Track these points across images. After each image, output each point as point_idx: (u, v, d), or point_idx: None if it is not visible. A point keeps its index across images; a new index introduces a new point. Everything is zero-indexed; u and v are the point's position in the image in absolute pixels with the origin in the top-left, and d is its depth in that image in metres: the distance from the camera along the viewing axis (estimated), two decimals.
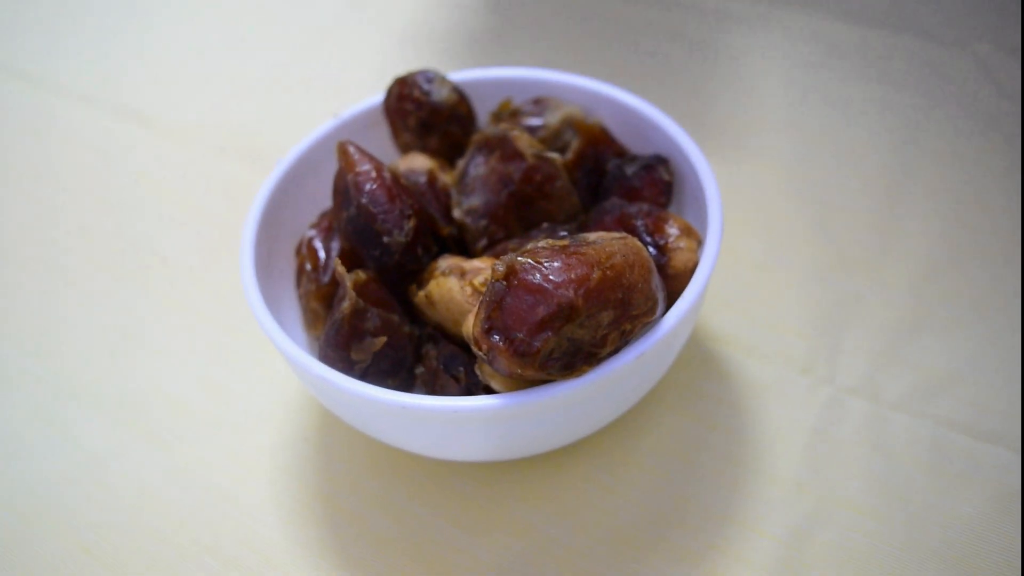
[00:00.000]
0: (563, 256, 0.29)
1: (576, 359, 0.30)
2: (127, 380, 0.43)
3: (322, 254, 0.38)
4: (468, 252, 0.38)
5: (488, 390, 0.33)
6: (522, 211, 0.37)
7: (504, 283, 0.29)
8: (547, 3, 0.63)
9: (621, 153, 0.40)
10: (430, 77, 0.40)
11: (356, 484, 0.38)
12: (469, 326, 0.31)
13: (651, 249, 0.34)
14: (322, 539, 0.37)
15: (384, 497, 0.38)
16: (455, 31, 0.61)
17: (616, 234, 0.32)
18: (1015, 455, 0.36)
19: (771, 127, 0.52)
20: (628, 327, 0.31)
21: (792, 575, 0.34)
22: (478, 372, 0.32)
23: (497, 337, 0.29)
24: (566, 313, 0.29)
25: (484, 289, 0.32)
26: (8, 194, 0.54)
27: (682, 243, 0.34)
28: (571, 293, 0.29)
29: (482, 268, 0.33)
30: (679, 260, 0.34)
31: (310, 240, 0.38)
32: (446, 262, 0.34)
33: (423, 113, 0.40)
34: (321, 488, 0.38)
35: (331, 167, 0.42)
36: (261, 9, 0.67)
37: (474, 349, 0.30)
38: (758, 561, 0.34)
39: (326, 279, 0.37)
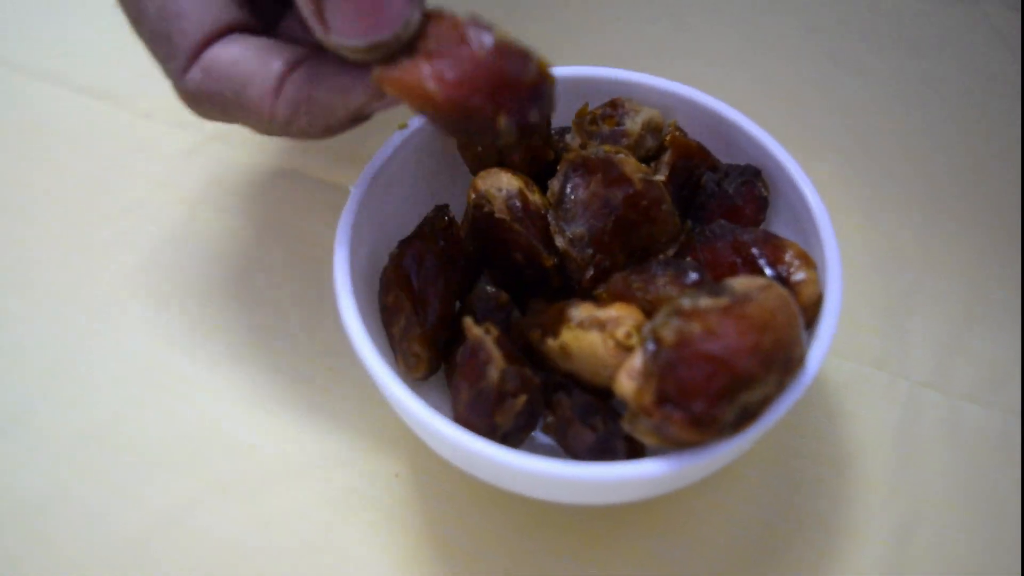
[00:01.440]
0: (733, 320, 0.29)
1: (743, 419, 0.30)
2: (188, 427, 0.40)
3: (424, 293, 0.35)
4: (571, 282, 0.36)
5: (629, 439, 0.33)
6: (626, 236, 0.36)
7: (676, 352, 0.28)
8: None
9: (713, 165, 0.38)
10: None
11: (464, 522, 0.37)
12: (622, 386, 0.30)
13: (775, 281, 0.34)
14: None
15: (497, 534, 0.37)
16: None
17: (762, 281, 0.31)
18: None
19: (803, 110, 0.52)
20: (786, 380, 0.30)
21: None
22: (627, 427, 0.31)
23: (670, 407, 0.29)
24: (745, 383, 0.28)
25: (626, 342, 0.32)
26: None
27: (803, 274, 0.34)
28: (750, 362, 0.28)
29: (620, 318, 0.32)
30: (805, 294, 0.34)
31: (404, 274, 0.36)
32: (578, 311, 0.33)
33: None
34: (427, 528, 0.37)
35: (403, 183, 0.39)
36: None
37: (640, 413, 0.29)
38: (867, 567, 0.36)
39: (431, 322, 0.35)
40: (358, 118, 0.32)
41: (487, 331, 0.32)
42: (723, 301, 0.29)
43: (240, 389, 0.41)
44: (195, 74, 0.32)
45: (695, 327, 0.29)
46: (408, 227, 0.39)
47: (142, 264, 0.45)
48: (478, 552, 0.37)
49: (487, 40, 0.29)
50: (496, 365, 0.31)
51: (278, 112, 0.31)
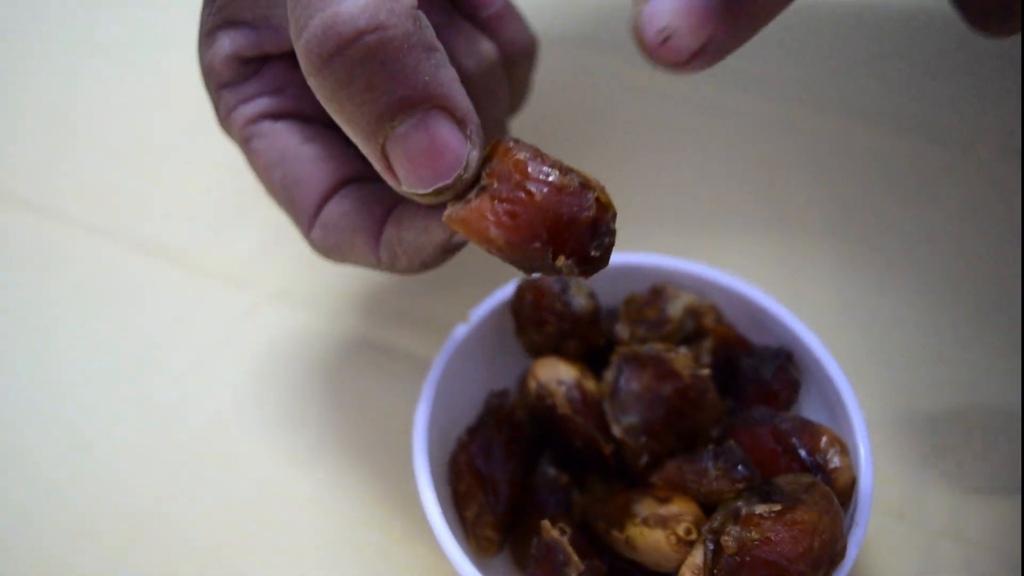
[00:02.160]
0: (785, 528, 0.33)
1: None
2: None
3: (494, 480, 0.39)
4: (626, 467, 0.40)
5: None
6: (675, 422, 0.39)
7: (737, 558, 0.32)
8: None
9: (749, 350, 0.43)
10: (565, 285, 0.41)
11: None
12: None
13: (812, 469, 0.38)
14: None
15: None
16: None
17: (805, 480, 0.35)
18: None
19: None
20: (831, 571, 0.34)
21: None
22: None
23: None
24: None
25: (687, 537, 0.35)
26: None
27: (838, 460, 0.38)
28: (803, 567, 0.32)
29: (681, 515, 0.36)
30: (841, 481, 0.37)
31: (472, 463, 0.39)
32: (641, 508, 0.37)
33: (564, 323, 0.41)
34: None
35: (466, 374, 0.43)
36: None
37: None
38: None
39: (501, 508, 0.38)
40: (449, 250, 0.35)
41: (562, 531, 0.35)
42: (775, 507, 0.33)
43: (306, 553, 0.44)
44: (316, 232, 0.37)
45: (753, 535, 0.32)
46: (467, 406, 0.42)
47: (205, 429, 0.48)
48: None
49: (546, 178, 0.30)
50: (575, 567, 0.34)
51: (382, 256, 0.36)
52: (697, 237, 0.57)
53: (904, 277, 0.55)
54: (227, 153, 0.62)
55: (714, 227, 0.58)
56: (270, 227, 0.58)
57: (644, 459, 0.39)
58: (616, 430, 0.39)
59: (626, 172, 0.60)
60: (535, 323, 0.41)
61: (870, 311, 0.53)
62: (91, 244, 0.56)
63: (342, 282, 0.55)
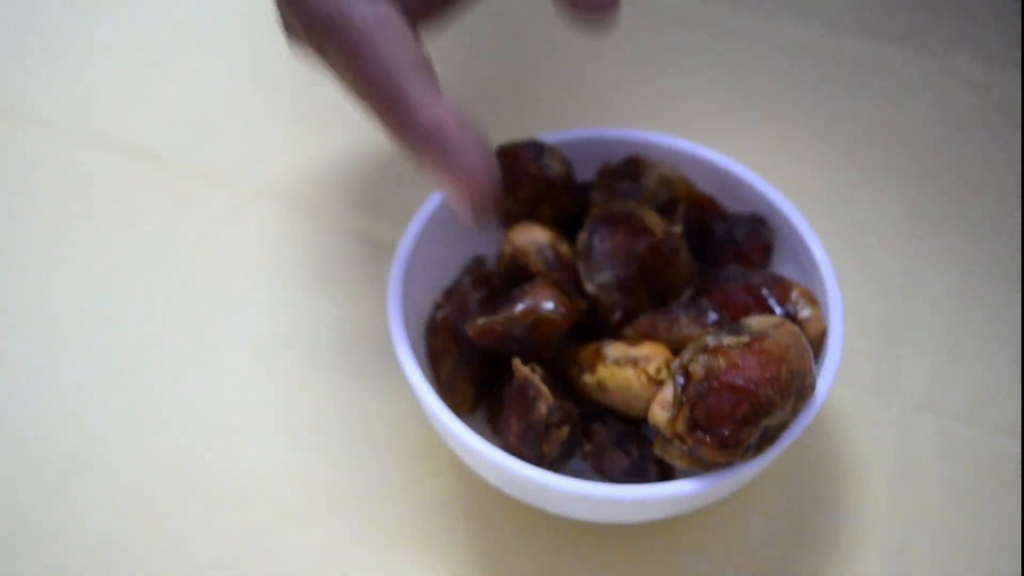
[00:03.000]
0: (754, 355, 0.33)
1: (763, 440, 0.34)
2: (244, 464, 0.43)
3: (469, 337, 0.39)
4: (601, 324, 0.40)
5: (660, 463, 0.37)
6: (648, 281, 0.40)
7: (705, 384, 0.32)
8: None
9: (722, 215, 0.43)
10: (539, 150, 0.42)
11: (510, 547, 0.41)
12: (656, 416, 0.34)
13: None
14: None
15: (544, 559, 0.40)
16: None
17: (775, 320, 0.35)
18: None
19: (778, 145, 0.56)
20: (800, 405, 0.35)
21: None
22: (659, 451, 0.35)
23: (701, 433, 0.33)
24: (766, 409, 0.32)
25: (657, 376, 0.36)
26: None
27: (808, 312, 0.38)
28: (771, 391, 0.32)
29: (651, 356, 0.36)
30: (811, 330, 0.38)
31: (447, 321, 0.40)
32: (613, 350, 0.37)
33: (539, 187, 0.41)
34: (475, 554, 0.41)
35: (442, 240, 0.43)
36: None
37: (672, 440, 0.33)
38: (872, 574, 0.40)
39: (475, 362, 0.39)
40: None
41: (533, 370, 0.36)
42: (743, 338, 0.34)
43: (292, 427, 0.45)
44: None
45: (721, 362, 0.33)
46: (446, 277, 0.43)
47: (194, 319, 0.49)
48: (520, 571, 0.40)
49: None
50: (544, 400, 0.35)
51: None
52: (678, 117, 0.59)
53: (884, 174, 0.55)
54: (204, 57, 0.62)
55: (698, 111, 0.59)
56: (251, 128, 0.58)
57: (617, 315, 0.39)
58: (589, 287, 0.40)
59: (615, 54, 0.61)
60: (509, 188, 0.42)
61: (852, 202, 0.54)
62: (71, 148, 0.57)
63: (326, 177, 0.55)
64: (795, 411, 0.34)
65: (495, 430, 0.40)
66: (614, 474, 0.37)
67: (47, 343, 0.48)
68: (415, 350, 0.39)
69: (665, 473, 0.37)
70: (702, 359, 0.33)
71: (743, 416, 0.32)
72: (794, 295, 0.39)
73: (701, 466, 0.34)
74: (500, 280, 0.42)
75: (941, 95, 0.60)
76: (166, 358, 0.47)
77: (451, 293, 0.41)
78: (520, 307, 0.36)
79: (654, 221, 0.39)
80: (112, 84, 0.60)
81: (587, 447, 0.38)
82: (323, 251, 0.52)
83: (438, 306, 0.40)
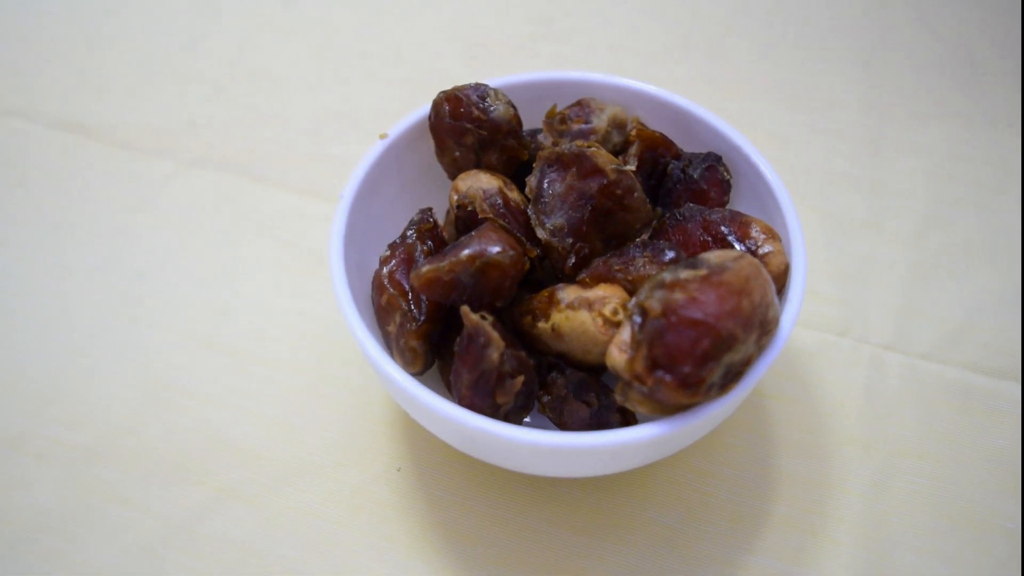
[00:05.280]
0: (712, 288, 0.31)
1: (727, 379, 0.32)
2: (192, 438, 0.41)
3: (416, 291, 0.37)
4: (555, 271, 0.38)
5: (622, 411, 0.35)
6: (602, 224, 0.38)
7: (663, 320, 0.31)
8: None
9: (677, 154, 0.41)
10: (483, 92, 0.39)
11: (466, 507, 0.39)
12: (614, 358, 0.32)
13: None
14: (452, 568, 0.37)
15: (498, 516, 0.39)
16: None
17: (734, 253, 0.33)
18: None
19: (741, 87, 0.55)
20: (765, 341, 0.33)
21: (879, 525, 0.38)
22: (619, 397, 0.33)
23: (661, 372, 0.31)
24: (728, 343, 0.31)
25: (613, 318, 0.34)
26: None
27: (770, 246, 0.37)
28: (731, 324, 0.31)
29: (606, 297, 0.34)
30: (774, 264, 0.36)
31: (392, 275, 0.37)
32: (566, 294, 0.35)
33: (484, 131, 0.39)
34: (432, 518, 0.39)
35: (386, 192, 0.41)
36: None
37: (631, 383, 0.31)
38: (849, 517, 0.39)
39: (423, 317, 0.37)
40: None
41: (483, 317, 0.34)
42: (701, 272, 0.32)
43: (240, 398, 0.42)
44: None
45: (678, 296, 0.31)
46: (394, 230, 0.41)
47: (132, 287, 0.46)
48: (480, 533, 0.38)
49: None
50: (496, 347, 0.33)
51: None
52: (629, 63, 0.57)
53: (843, 110, 0.54)
54: (132, 31, 0.60)
55: (648, 58, 0.57)
56: (180, 99, 0.56)
57: (571, 260, 0.37)
58: (541, 233, 0.38)
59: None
60: (454, 134, 0.40)
61: (810, 141, 0.52)
62: (6, 124, 0.54)
63: (261, 145, 0.53)
64: (759, 346, 0.33)
65: (449, 387, 0.38)
66: (574, 425, 0.35)
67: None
68: (364, 309, 0.37)
69: (627, 422, 0.35)
70: (658, 294, 0.31)
71: (704, 352, 0.30)
72: (754, 231, 0.37)
73: (664, 410, 0.32)
74: (448, 231, 0.40)
75: (893, 26, 0.58)
76: (95, 330, 0.45)
77: (396, 246, 0.38)
78: (466, 251, 0.34)
79: (605, 160, 0.37)
80: (35, 58, 0.58)
81: (545, 399, 0.36)
82: (260, 206, 0.50)
83: (383, 261, 0.38)
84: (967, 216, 0.49)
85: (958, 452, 0.40)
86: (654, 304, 0.31)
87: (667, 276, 0.32)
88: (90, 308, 0.46)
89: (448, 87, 0.40)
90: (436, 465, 0.40)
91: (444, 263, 0.34)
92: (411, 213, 0.41)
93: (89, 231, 0.49)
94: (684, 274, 0.32)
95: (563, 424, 0.36)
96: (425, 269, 0.35)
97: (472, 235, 0.36)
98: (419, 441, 0.41)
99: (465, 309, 0.34)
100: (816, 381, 0.43)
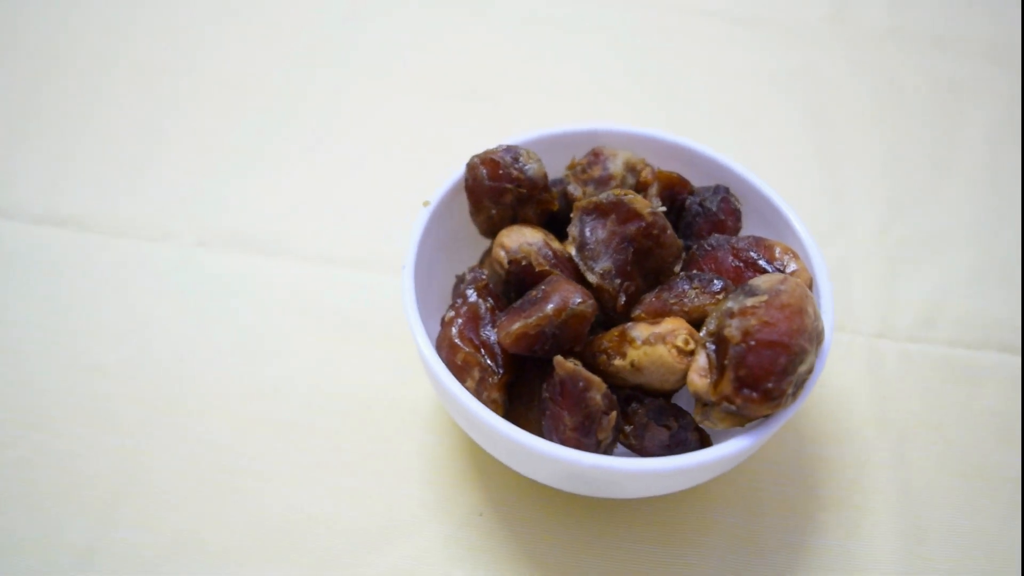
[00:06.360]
0: (778, 310, 0.35)
1: (797, 387, 0.37)
2: (272, 518, 0.42)
3: (489, 345, 0.40)
4: (605, 311, 0.41)
5: (698, 432, 0.39)
6: (642, 263, 0.42)
7: (743, 345, 0.35)
8: None
9: (691, 191, 0.45)
10: (515, 153, 0.42)
11: (551, 538, 0.42)
12: (696, 384, 0.36)
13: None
14: None
15: (583, 541, 0.42)
16: None
17: (776, 276, 0.38)
18: (1012, 356, 0.49)
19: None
20: (818, 349, 0.38)
21: (906, 491, 0.44)
22: (699, 418, 0.37)
23: (747, 391, 0.35)
24: (800, 357, 0.35)
25: (686, 348, 0.38)
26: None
27: (795, 264, 0.41)
28: (802, 340, 0.35)
29: (676, 329, 0.38)
30: (803, 280, 0.41)
31: (463, 333, 0.40)
32: (638, 331, 0.38)
33: (523, 188, 0.42)
34: (522, 553, 0.41)
35: (436, 257, 0.43)
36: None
37: (718, 403, 0.35)
38: (883, 489, 0.44)
39: (501, 371, 0.39)
40: None
41: (574, 363, 0.37)
42: (763, 298, 0.36)
43: (312, 472, 0.44)
44: None
45: (752, 322, 0.35)
46: (435, 291, 0.43)
47: (169, 377, 0.47)
48: (570, 560, 0.41)
49: None
50: (597, 389, 0.36)
51: None
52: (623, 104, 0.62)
53: (799, 121, 0.60)
54: (112, 117, 0.59)
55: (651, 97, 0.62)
56: (175, 183, 0.56)
57: (622, 299, 0.41)
58: (592, 278, 0.41)
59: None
60: (493, 195, 0.42)
61: (773, 157, 0.58)
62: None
63: (263, 220, 0.54)
64: (815, 354, 0.37)
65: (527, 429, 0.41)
66: (653, 449, 0.39)
67: None
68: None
69: (703, 439, 0.39)
70: (735, 323, 0.35)
71: (782, 368, 0.35)
72: (778, 252, 0.41)
73: (740, 423, 0.37)
74: (502, 287, 0.42)
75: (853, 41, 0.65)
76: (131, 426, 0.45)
77: (458, 307, 0.41)
78: (550, 306, 0.37)
79: (641, 204, 0.41)
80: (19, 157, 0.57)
81: (628, 428, 0.39)
82: (283, 290, 0.51)
83: (448, 322, 0.41)
84: (919, 210, 0.55)
85: (957, 417, 0.47)
86: (733, 332, 0.35)
87: (733, 305, 0.36)
88: (134, 405, 0.46)
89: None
90: (512, 504, 0.43)
91: (531, 319, 0.37)
92: (443, 274, 0.44)
93: (111, 324, 0.49)
94: (749, 302, 0.36)
95: (642, 449, 0.39)
96: (515, 327, 0.37)
97: (544, 288, 0.39)
98: (492, 486, 0.43)
99: (559, 359, 0.37)
100: (826, 374, 0.48)
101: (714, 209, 0.44)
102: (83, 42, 0.64)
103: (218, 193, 0.56)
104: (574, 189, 0.44)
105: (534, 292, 0.39)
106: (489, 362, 0.40)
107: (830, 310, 0.40)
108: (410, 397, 0.47)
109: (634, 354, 0.38)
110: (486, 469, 0.44)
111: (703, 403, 0.37)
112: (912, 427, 0.46)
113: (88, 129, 0.59)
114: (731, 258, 0.42)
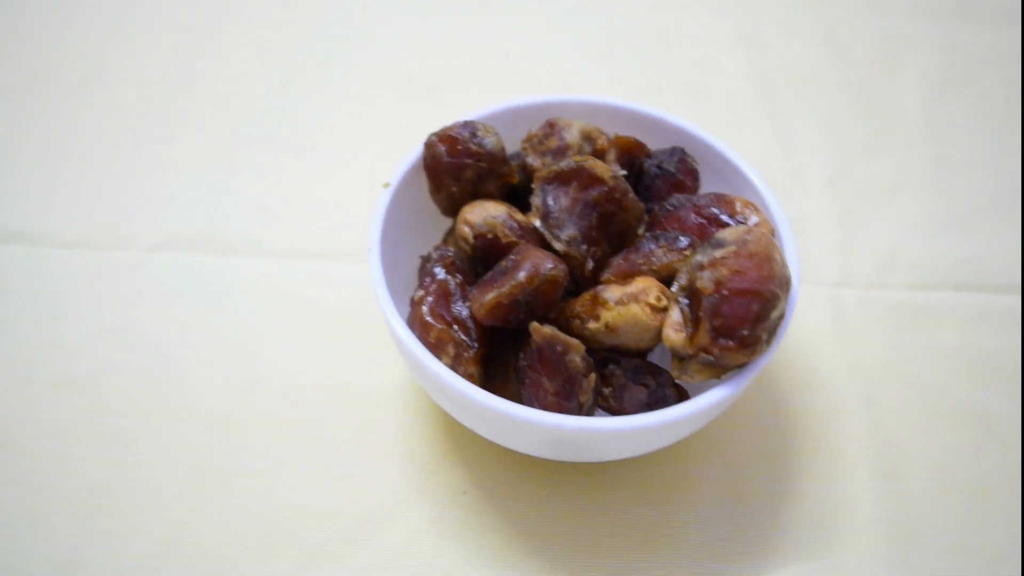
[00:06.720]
0: (747, 259, 0.36)
1: (771, 334, 0.37)
2: (257, 513, 0.41)
3: (462, 320, 0.39)
4: (576, 277, 0.41)
5: (676, 387, 0.39)
6: (606, 227, 0.42)
7: (716, 295, 0.35)
8: None
9: (648, 154, 0.46)
10: (473, 128, 0.42)
11: (538, 509, 0.42)
12: (672, 339, 0.37)
13: None
14: (546, 568, 0.40)
15: (572, 508, 0.42)
16: None
17: (740, 228, 0.38)
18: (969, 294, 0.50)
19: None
20: (788, 296, 0.38)
21: (879, 430, 0.45)
22: (676, 372, 0.37)
23: (724, 340, 0.35)
24: (771, 303, 0.36)
25: (659, 304, 0.38)
26: None
27: (756, 217, 0.42)
28: (772, 286, 0.36)
29: (647, 288, 0.38)
30: (765, 230, 0.41)
31: (435, 311, 0.40)
32: (612, 293, 0.39)
33: (483, 163, 0.42)
34: (511, 527, 0.41)
35: (401, 239, 0.43)
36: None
37: (695, 355, 0.36)
38: (856, 432, 0.45)
39: (476, 345, 0.39)
40: None
41: (551, 328, 0.37)
42: (731, 248, 0.36)
43: (296, 464, 0.43)
44: None
45: (724, 272, 0.35)
46: (402, 275, 0.43)
47: (134, 386, 0.46)
48: (560, 528, 0.41)
49: None
50: (576, 351, 0.36)
51: None
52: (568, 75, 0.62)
53: (771, 74, 0.61)
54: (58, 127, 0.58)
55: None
56: (127, 190, 0.55)
57: (590, 264, 0.41)
58: (558, 246, 0.41)
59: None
60: (453, 171, 0.42)
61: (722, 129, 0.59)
62: None
63: (218, 219, 0.53)
64: (786, 301, 0.38)
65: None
66: (632, 408, 0.39)
67: None
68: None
69: (681, 395, 0.39)
70: (706, 274, 0.36)
71: (756, 314, 0.35)
72: (739, 206, 0.42)
73: (717, 374, 0.37)
74: (468, 263, 0.42)
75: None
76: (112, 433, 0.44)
77: (427, 285, 0.41)
78: (522, 273, 0.37)
79: (601, 169, 0.41)
80: None
81: (606, 390, 0.39)
82: (245, 285, 0.50)
83: (418, 301, 0.40)
84: (867, 162, 0.57)
85: (921, 357, 0.48)
86: (706, 283, 0.35)
87: (703, 258, 0.36)
88: (105, 416, 0.44)
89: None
90: (495, 479, 0.43)
91: (504, 288, 0.37)
92: (409, 259, 0.44)
93: (76, 336, 0.48)
94: (718, 253, 0.36)
95: (622, 410, 0.39)
96: (488, 298, 0.37)
97: (514, 258, 0.39)
98: (473, 463, 0.43)
99: (535, 325, 0.37)
100: (793, 325, 0.49)
101: (672, 170, 0.45)
102: (18, 55, 0.63)
103: (178, 196, 0.55)
104: (533, 160, 0.44)
105: (504, 263, 0.39)
106: (463, 337, 0.39)
107: (795, 258, 0.41)
108: (386, 383, 0.46)
109: (608, 315, 0.38)
110: (466, 447, 0.44)
111: (680, 357, 0.37)
112: (879, 370, 0.47)
113: (34, 140, 0.57)
114: (694, 216, 0.42)
